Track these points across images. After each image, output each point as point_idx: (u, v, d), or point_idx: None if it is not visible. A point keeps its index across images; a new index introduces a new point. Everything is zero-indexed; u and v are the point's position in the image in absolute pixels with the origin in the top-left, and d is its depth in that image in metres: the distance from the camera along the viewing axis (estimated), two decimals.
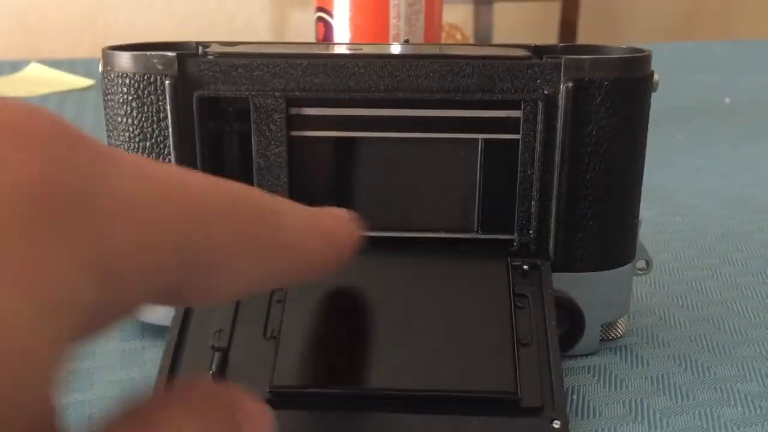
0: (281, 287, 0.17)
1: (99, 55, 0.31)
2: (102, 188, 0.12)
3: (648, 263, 0.34)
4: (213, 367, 0.27)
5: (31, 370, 0.10)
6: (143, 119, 0.30)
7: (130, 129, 0.30)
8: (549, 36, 1.99)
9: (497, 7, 1.89)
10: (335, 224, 0.19)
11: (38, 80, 0.91)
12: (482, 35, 1.76)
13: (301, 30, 2.02)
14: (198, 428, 0.13)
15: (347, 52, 0.32)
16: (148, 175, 0.13)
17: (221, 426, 0.14)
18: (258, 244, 0.15)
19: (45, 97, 0.83)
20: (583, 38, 1.97)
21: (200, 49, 0.31)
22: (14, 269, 0.10)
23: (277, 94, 0.29)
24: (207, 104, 0.30)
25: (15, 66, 0.98)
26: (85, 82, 0.90)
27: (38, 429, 0.11)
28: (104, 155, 0.13)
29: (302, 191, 0.31)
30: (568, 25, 1.98)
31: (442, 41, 0.69)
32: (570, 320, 0.31)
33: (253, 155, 0.30)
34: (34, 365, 0.10)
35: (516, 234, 0.31)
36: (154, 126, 0.30)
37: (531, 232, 0.31)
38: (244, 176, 0.31)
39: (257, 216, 0.16)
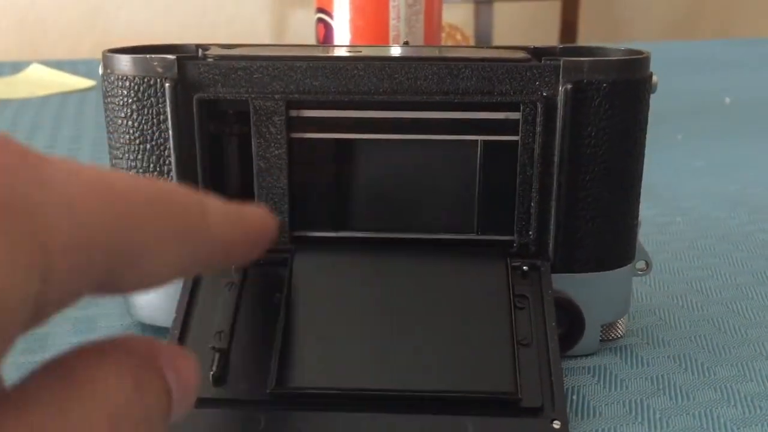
0: (204, 274, 0.18)
1: (99, 56, 0.31)
2: (37, 194, 0.13)
3: (648, 263, 0.34)
4: (213, 368, 0.27)
5: None
6: (143, 121, 0.30)
7: (131, 131, 0.30)
8: (549, 36, 1.99)
9: (497, 7, 1.89)
10: (251, 216, 0.20)
11: (39, 81, 0.91)
12: (482, 35, 1.76)
13: (301, 31, 2.02)
14: (120, 377, 0.15)
15: (346, 54, 0.32)
16: (80, 180, 0.14)
17: (143, 374, 0.15)
18: (180, 235, 0.17)
19: (46, 98, 0.83)
20: (583, 38, 1.97)
21: (200, 51, 0.32)
22: None
23: (276, 96, 0.30)
24: (207, 106, 0.30)
25: (16, 67, 0.98)
26: (87, 82, 0.90)
27: None
28: (37, 163, 0.14)
29: (302, 193, 0.31)
30: (568, 24, 1.98)
31: (442, 42, 0.69)
32: (570, 321, 0.31)
33: (253, 157, 0.30)
34: None
35: (515, 235, 0.31)
36: (155, 128, 0.30)
37: (530, 233, 0.31)
38: (244, 178, 0.31)
39: (179, 210, 0.17)
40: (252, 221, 0.20)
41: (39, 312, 0.13)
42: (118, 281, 0.15)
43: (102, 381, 0.14)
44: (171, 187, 0.17)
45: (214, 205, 0.18)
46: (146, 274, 0.16)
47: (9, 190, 0.13)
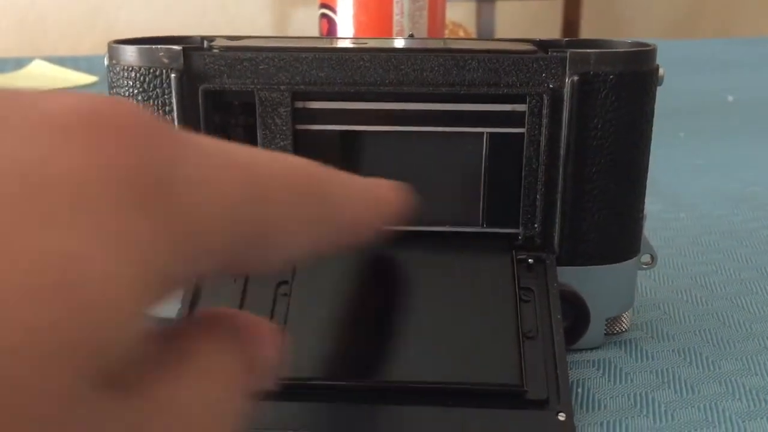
0: (334, 253, 0.18)
1: (99, 54, 0.31)
2: (179, 170, 0.14)
3: (653, 257, 0.34)
4: None
5: (118, 314, 0.12)
6: None
7: None
8: (551, 34, 1.99)
9: (499, 5, 1.89)
10: (385, 192, 0.20)
11: (41, 77, 0.91)
12: (485, 33, 1.76)
13: (303, 28, 2.02)
14: (221, 353, 0.15)
15: (352, 45, 0.32)
16: (218, 155, 0.15)
17: (248, 351, 0.15)
18: (313, 213, 0.17)
19: None
20: (585, 36, 1.97)
21: (205, 43, 0.31)
22: (111, 235, 0.12)
23: (282, 87, 0.29)
24: (212, 98, 0.30)
25: (18, 63, 0.98)
26: (89, 78, 0.90)
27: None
28: (181, 140, 0.14)
29: None
30: (570, 23, 1.98)
31: None
32: (575, 314, 0.31)
33: (259, 148, 0.30)
34: (121, 311, 0.12)
35: (521, 228, 0.31)
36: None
37: (536, 225, 0.31)
38: None
39: (313, 187, 0.17)
40: (385, 197, 0.19)
41: (168, 285, 0.13)
42: (247, 261, 0.15)
43: (217, 360, 0.15)
44: (305, 164, 0.17)
45: (347, 181, 0.18)
46: (275, 255, 0.16)
47: (147, 167, 0.13)
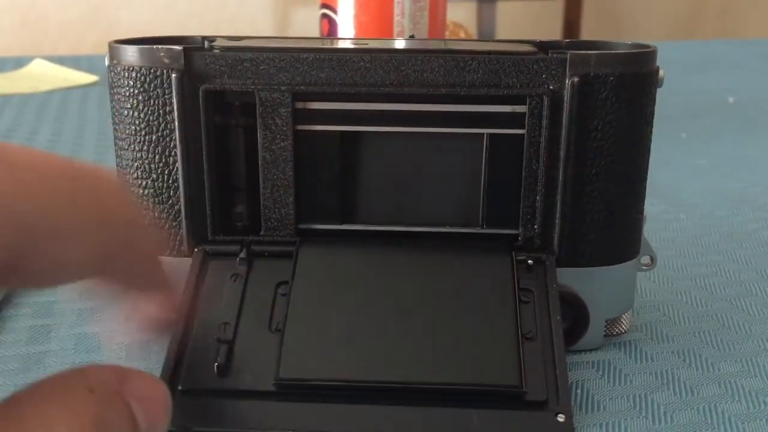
0: (130, 268, 0.17)
1: (100, 54, 0.31)
2: None
3: (652, 259, 0.34)
4: (218, 359, 0.27)
5: None
6: (149, 112, 0.30)
7: (136, 122, 0.30)
8: (552, 35, 1.99)
9: (500, 6, 1.88)
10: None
11: (42, 76, 0.91)
12: (485, 34, 1.76)
13: (303, 28, 2.02)
14: (75, 416, 0.14)
15: (353, 46, 0.32)
16: None
17: (104, 408, 0.14)
18: (97, 218, 0.16)
19: (49, 94, 0.83)
20: (585, 37, 1.97)
21: (206, 43, 0.32)
22: None
23: (283, 88, 0.29)
24: (213, 98, 0.30)
25: (19, 62, 0.98)
26: (89, 78, 0.90)
27: None
28: None
29: (307, 185, 0.31)
30: (570, 23, 1.98)
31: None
32: (574, 315, 0.31)
33: (259, 149, 0.30)
34: None
35: (521, 229, 0.31)
36: (160, 119, 0.30)
37: (536, 226, 0.31)
38: (250, 170, 0.31)
39: (97, 192, 0.16)
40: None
41: None
42: (24, 271, 0.14)
43: (53, 424, 0.14)
44: (92, 169, 0.16)
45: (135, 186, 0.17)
46: (57, 262, 0.15)
47: None
